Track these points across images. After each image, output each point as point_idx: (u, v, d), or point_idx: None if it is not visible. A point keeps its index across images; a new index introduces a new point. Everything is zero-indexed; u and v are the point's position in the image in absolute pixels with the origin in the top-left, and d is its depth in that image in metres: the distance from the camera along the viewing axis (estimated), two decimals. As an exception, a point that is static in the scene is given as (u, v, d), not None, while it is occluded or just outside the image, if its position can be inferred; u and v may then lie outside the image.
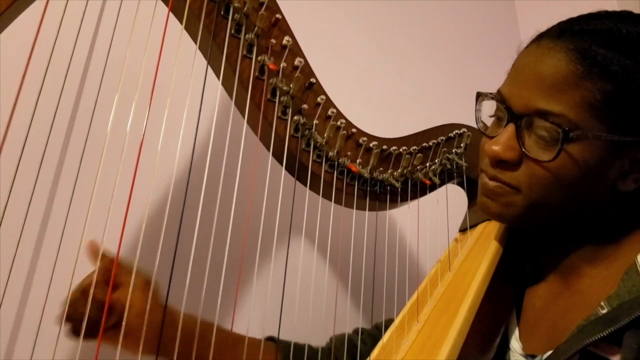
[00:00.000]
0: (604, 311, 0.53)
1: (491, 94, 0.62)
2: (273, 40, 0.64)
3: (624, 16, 0.58)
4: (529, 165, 0.57)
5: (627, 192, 0.57)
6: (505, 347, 0.65)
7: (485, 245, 0.75)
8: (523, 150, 0.57)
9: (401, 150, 0.75)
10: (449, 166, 0.80)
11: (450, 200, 0.84)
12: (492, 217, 0.64)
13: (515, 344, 0.64)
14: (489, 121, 0.65)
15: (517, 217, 0.61)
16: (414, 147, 0.76)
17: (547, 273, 0.66)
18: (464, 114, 0.79)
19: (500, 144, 0.58)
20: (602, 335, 0.50)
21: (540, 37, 0.59)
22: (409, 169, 0.76)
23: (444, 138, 0.80)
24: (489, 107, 0.64)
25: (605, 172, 0.56)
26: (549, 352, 0.57)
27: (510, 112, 0.58)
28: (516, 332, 0.65)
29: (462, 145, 0.82)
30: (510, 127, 0.58)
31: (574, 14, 0.61)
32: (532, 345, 0.62)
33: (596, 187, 0.57)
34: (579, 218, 0.60)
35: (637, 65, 0.53)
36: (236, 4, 0.60)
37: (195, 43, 0.59)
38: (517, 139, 0.57)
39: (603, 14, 0.59)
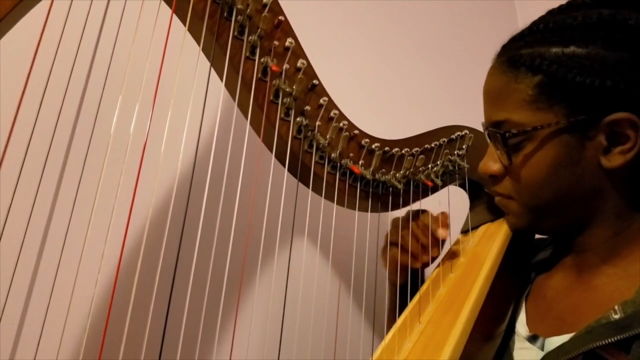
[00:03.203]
0: (617, 316, 0.52)
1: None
2: (276, 42, 0.64)
3: (565, 7, 0.59)
4: (510, 173, 0.63)
5: (620, 167, 0.55)
6: (509, 330, 0.65)
7: (487, 247, 0.75)
8: (500, 160, 0.63)
9: (403, 151, 0.75)
10: (451, 168, 0.80)
11: (452, 201, 0.84)
12: (515, 229, 0.73)
13: (521, 328, 0.64)
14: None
15: (529, 224, 0.65)
16: (416, 149, 0.77)
17: (563, 266, 0.65)
18: (465, 115, 0.80)
19: (483, 162, 0.66)
20: (610, 340, 0.50)
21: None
22: (411, 170, 0.76)
23: (446, 140, 0.80)
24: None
25: (579, 156, 0.56)
26: (554, 338, 0.57)
27: (486, 130, 0.64)
28: (523, 318, 0.65)
29: (464, 147, 0.82)
30: (491, 145, 0.65)
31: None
32: (537, 330, 0.62)
33: (581, 174, 0.57)
34: (589, 210, 0.59)
35: (565, 49, 0.55)
36: (239, 6, 0.60)
37: (199, 45, 0.59)
38: (495, 153, 0.64)
39: (549, 12, 0.61)
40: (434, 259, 0.80)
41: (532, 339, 0.61)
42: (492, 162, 0.65)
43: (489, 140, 0.65)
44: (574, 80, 0.54)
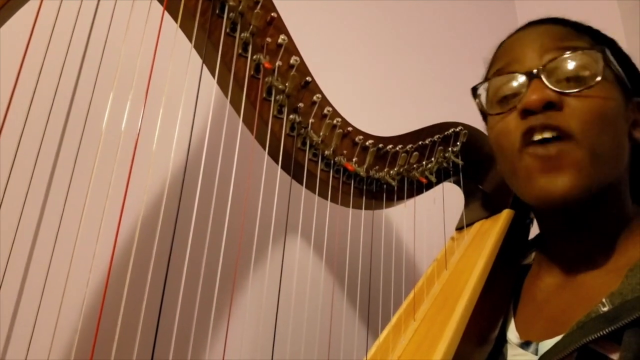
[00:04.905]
0: (605, 309, 0.52)
1: (487, 79, 0.66)
2: (268, 39, 0.63)
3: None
4: (571, 105, 0.57)
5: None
6: (501, 338, 0.65)
7: (481, 243, 0.75)
8: (559, 92, 0.57)
9: (397, 148, 0.75)
10: (445, 164, 0.80)
11: (446, 198, 0.84)
12: (562, 195, 0.56)
13: (511, 335, 0.64)
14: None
15: (590, 180, 0.56)
16: (410, 146, 0.76)
17: (551, 267, 0.65)
18: (461, 113, 0.79)
19: (536, 92, 0.57)
20: (601, 333, 0.50)
21: (519, 29, 0.66)
22: (405, 167, 0.76)
23: (440, 136, 0.79)
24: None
25: (622, 115, 0.60)
26: (546, 341, 0.57)
27: (527, 72, 0.59)
28: (512, 324, 0.65)
29: (458, 143, 0.82)
30: (535, 83, 0.58)
31: (573, 15, 0.64)
32: (529, 335, 0.62)
33: (623, 131, 0.59)
34: (617, 180, 0.60)
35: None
36: (231, 3, 0.60)
37: (191, 42, 0.58)
38: (547, 87, 0.57)
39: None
40: None
41: (525, 345, 0.61)
42: (546, 91, 0.57)
43: (532, 78, 0.58)
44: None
